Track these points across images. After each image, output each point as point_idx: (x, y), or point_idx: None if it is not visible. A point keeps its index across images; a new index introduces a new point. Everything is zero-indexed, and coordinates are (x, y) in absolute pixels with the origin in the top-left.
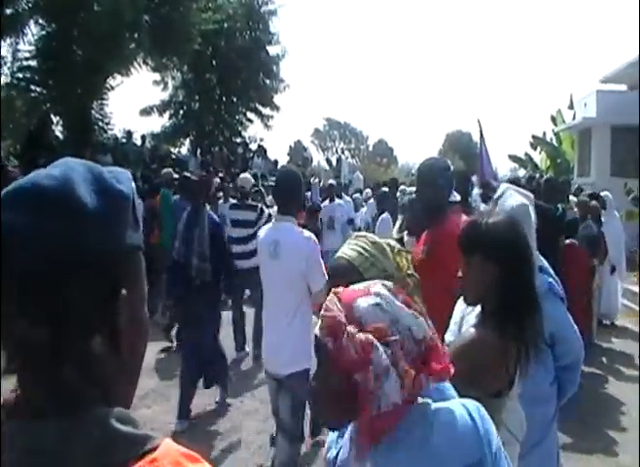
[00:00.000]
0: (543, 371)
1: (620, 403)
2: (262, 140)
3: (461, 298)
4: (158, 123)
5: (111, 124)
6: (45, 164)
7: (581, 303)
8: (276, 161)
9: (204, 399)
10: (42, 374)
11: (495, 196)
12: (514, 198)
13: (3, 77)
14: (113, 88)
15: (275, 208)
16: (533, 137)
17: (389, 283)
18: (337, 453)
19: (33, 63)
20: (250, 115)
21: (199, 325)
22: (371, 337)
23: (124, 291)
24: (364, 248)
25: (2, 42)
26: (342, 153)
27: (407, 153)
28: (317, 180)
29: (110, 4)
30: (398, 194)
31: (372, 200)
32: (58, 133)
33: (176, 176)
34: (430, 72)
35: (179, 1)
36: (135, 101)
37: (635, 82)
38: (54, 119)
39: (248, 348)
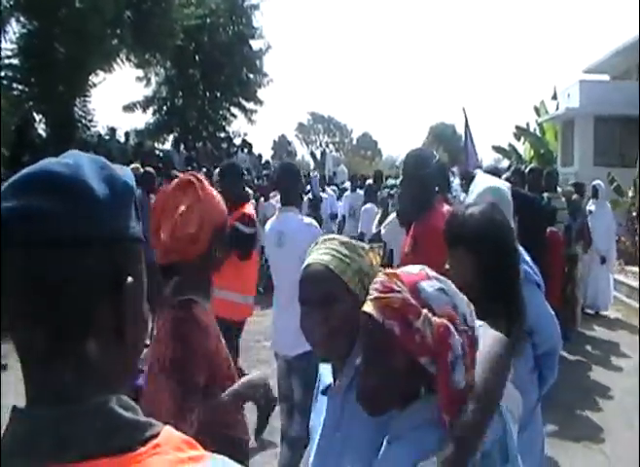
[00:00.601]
0: (521, 358)
1: (605, 390)
2: (246, 135)
3: None
4: (141, 119)
5: (94, 121)
6: (29, 163)
7: (559, 290)
8: (260, 156)
9: None
10: (44, 363)
11: (471, 187)
12: (487, 182)
13: None
14: (96, 85)
15: (262, 199)
16: (517, 128)
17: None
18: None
19: (15, 61)
20: (234, 110)
21: None
22: (446, 321)
23: (130, 279)
24: (336, 250)
25: None
26: (327, 146)
27: (391, 146)
28: (317, 174)
29: (91, 0)
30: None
31: (348, 192)
32: (41, 131)
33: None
34: (413, 65)
35: None
36: (118, 98)
37: (618, 72)
38: (37, 117)
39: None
